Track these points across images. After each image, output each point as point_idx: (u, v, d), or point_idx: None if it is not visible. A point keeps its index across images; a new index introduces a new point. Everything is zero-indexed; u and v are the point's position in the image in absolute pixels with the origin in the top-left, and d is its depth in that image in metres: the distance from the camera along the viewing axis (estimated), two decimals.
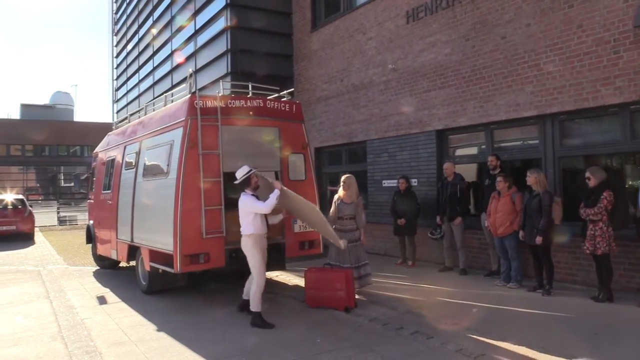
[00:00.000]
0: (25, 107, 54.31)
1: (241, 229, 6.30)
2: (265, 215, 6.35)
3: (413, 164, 10.25)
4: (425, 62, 9.83)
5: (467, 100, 8.98)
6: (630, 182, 7.44)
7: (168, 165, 7.24)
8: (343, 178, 7.54)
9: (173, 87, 16.60)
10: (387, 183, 10.80)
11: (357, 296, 6.98)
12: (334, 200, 7.53)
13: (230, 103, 7.30)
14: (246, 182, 6.27)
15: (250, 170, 6.24)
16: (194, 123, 6.93)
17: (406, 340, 5.45)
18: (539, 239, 6.94)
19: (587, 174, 6.64)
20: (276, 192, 6.17)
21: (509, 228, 7.47)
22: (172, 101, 8.11)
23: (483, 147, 9.10)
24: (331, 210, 7.46)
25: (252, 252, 6.21)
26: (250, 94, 7.73)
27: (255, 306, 6.11)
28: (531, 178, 7.12)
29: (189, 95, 7.08)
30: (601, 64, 7.01)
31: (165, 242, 7.06)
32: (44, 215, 25.54)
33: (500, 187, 7.61)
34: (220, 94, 7.40)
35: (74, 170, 50.76)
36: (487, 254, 8.63)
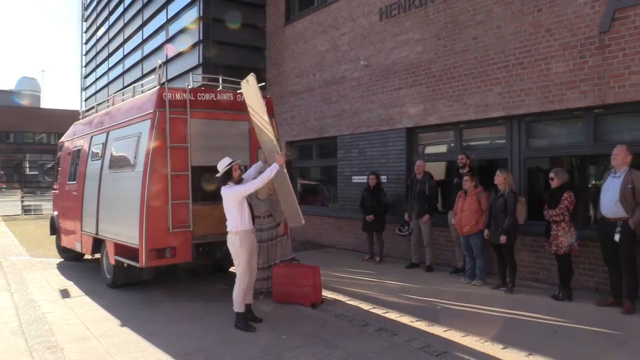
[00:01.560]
0: None
1: (227, 225, 5.89)
2: (252, 209, 6.04)
3: (383, 161, 10.32)
4: (397, 60, 9.88)
5: (437, 99, 9.07)
6: (592, 184, 7.64)
7: (135, 157, 7.12)
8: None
9: (143, 76, 16.31)
10: (356, 179, 10.85)
11: (323, 292, 7.01)
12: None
13: (199, 96, 7.21)
14: (228, 175, 5.85)
15: (232, 162, 5.86)
16: (162, 115, 6.82)
17: (371, 337, 5.51)
18: (503, 238, 7.08)
19: (551, 174, 6.81)
20: (275, 166, 5.99)
21: (475, 227, 7.59)
22: (141, 92, 7.97)
23: (452, 145, 9.22)
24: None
25: (238, 251, 5.83)
26: (220, 87, 7.65)
27: (237, 306, 5.81)
28: (499, 178, 7.24)
29: (158, 87, 6.97)
30: (567, 68, 7.16)
31: (130, 235, 6.96)
32: (7, 204, 24.87)
33: (466, 186, 7.73)
34: (189, 87, 7.30)
35: (39, 158, 49.39)
36: (453, 252, 8.76)
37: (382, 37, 10.24)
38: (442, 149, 9.75)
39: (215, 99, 7.38)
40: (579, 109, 7.14)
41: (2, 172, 50.64)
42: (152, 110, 6.87)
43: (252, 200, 6.76)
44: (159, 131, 6.80)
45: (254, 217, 6.07)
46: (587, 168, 7.82)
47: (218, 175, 5.92)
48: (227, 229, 5.87)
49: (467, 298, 6.95)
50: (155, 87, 7.12)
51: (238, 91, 7.76)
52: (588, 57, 6.91)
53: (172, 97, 6.90)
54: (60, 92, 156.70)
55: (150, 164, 6.73)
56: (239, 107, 7.51)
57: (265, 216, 7.11)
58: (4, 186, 44.97)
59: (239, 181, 5.94)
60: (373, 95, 10.47)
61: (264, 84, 8.26)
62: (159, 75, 7.16)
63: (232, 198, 5.82)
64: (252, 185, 5.89)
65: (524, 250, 7.72)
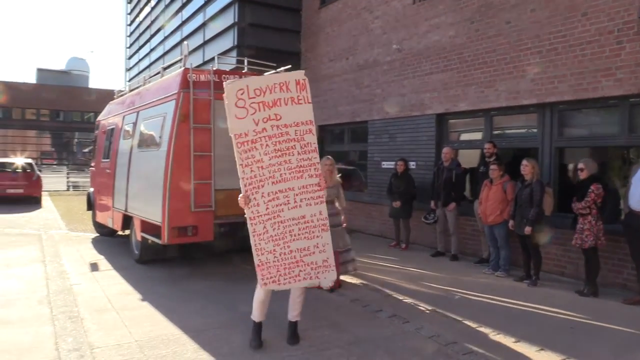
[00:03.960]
0: (41, 72, 54.75)
1: None
2: None
3: (412, 147, 10.18)
4: (429, 44, 9.67)
5: (468, 84, 8.84)
6: (625, 177, 7.31)
7: (160, 137, 7.27)
8: (326, 161, 7.00)
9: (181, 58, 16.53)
10: (385, 164, 10.76)
11: (343, 277, 7.02)
12: None
13: (224, 78, 7.26)
14: None
15: None
16: (186, 96, 6.92)
17: (382, 323, 5.49)
18: (528, 229, 6.89)
19: (580, 165, 6.55)
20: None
21: (499, 217, 7.42)
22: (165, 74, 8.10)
23: (482, 133, 8.99)
24: None
25: None
26: (245, 69, 7.68)
27: (252, 312, 4.85)
28: (527, 167, 7.02)
29: (182, 69, 7.07)
30: (603, 54, 6.83)
31: (154, 213, 7.14)
32: (55, 180, 25.92)
33: (493, 175, 7.54)
34: (214, 68, 7.36)
35: (87, 136, 51.30)
36: (479, 241, 8.60)
37: (414, 21, 10.03)
38: (472, 136, 9.52)
39: None
40: (614, 97, 6.82)
41: (53, 150, 52.90)
42: (176, 91, 6.99)
43: None
44: (183, 112, 6.91)
45: None
46: (622, 160, 7.49)
47: None
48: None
49: (488, 289, 6.82)
50: (180, 68, 7.22)
51: (266, 74, 7.77)
52: (625, 43, 6.57)
53: (196, 78, 6.99)
54: (107, 73, 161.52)
55: (174, 143, 6.87)
56: None
57: (329, 202, 6.87)
58: (55, 162, 47.00)
59: None
60: (404, 80, 10.30)
61: (290, 66, 8.24)
62: (185, 56, 7.25)
63: None
64: None
65: (551, 243, 7.48)
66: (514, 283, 7.15)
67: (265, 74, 7.77)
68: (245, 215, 4.44)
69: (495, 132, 8.75)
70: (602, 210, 6.38)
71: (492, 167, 7.61)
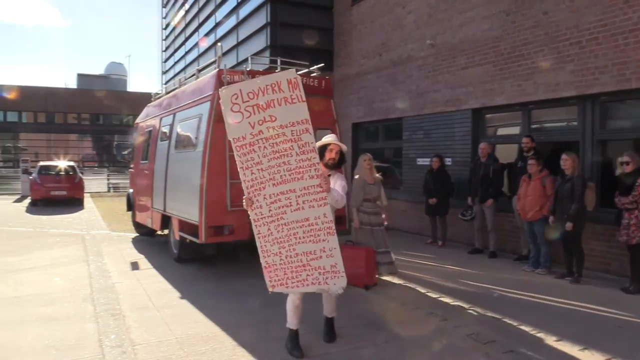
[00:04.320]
0: (81, 77, 56.40)
1: None
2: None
3: (448, 143, 10.05)
4: (464, 38, 9.51)
5: (505, 78, 8.66)
6: None
7: (197, 138, 7.38)
8: (365, 157, 7.11)
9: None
10: (421, 161, 10.65)
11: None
12: (355, 182, 7.11)
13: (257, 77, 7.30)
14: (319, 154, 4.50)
15: (332, 141, 4.84)
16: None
17: (419, 321, 5.44)
18: (569, 225, 6.70)
19: (626, 158, 6.33)
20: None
21: (538, 213, 7.24)
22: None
23: (520, 127, 8.79)
24: (354, 193, 7.03)
25: None
26: (278, 69, 7.71)
27: (288, 320, 4.70)
28: (567, 161, 6.83)
29: (217, 70, 7.15)
30: None
31: (192, 212, 7.26)
32: (96, 182, 26.70)
33: (531, 170, 7.37)
34: (247, 69, 7.43)
35: (126, 139, 52.60)
36: (518, 238, 8.42)
37: (448, 15, 9.88)
38: (510, 130, 9.32)
39: None
40: None
41: (95, 152, 54.42)
42: (211, 92, 7.07)
43: (363, 184, 6.87)
44: (218, 112, 6.96)
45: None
46: None
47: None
48: None
49: (528, 286, 6.67)
50: (214, 70, 7.31)
51: (298, 72, 7.79)
52: None
53: (230, 79, 7.04)
54: (145, 76, 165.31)
55: (209, 144, 6.96)
56: None
57: (374, 200, 7.04)
58: (96, 165, 48.39)
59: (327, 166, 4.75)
60: (439, 75, 10.17)
61: (322, 64, 8.25)
62: (219, 57, 7.34)
63: None
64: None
65: (595, 239, 7.27)
66: (555, 280, 6.97)
67: (298, 72, 7.81)
68: (249, 218, 4.39)
69: (534, 126, 8.54)
70: None
71: (530, 162, 7.43)
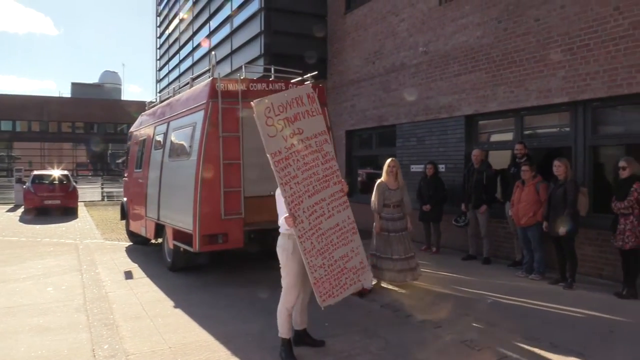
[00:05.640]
0: (75, 86, 56.30)
1: (279, 225, 4.66)
2: None
3: (441, 149, 10.08)
4: (456, 45, 9.57)
5: (497, 85, 8.72)
6: None
7: (191, 146, 7.38)
8: (389, 162, 6.98)
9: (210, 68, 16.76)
10: (414, 168, 10.67)
11: (373, 282, 6.97)
12: (376, 187, 7.01)
13: (252, 86, 7.34)
14: None
15: None
16: (214, 106, 7.02)
17: (413, 328, 5.44)
18: (562, 230, 6.73)
19: (623, 163, 6.35)
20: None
21: (532, 219, 7.27)
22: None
23: (512, 133, 8.84)
24: (374, 198, 6.96)
25: (287, 260, 4.57)
26: (272, 77, 7.75)
27: (280, 330, 4.65)
28: (560, 167, 6.86)
29: (211, 79, 7.17)
30: (638, 49, 6.64)
31: (185, 221, 7.25)
32: (90, 191, 26.59)
33: (525, 176, 7.40)
34: (242, 77, 7.45)
35: (121, 147, 52.49)
36: (511, 244, 8.44)
37: (441, 22, 9.95)
38: (502, 137, 9.36)
39: (267, 88, 7.46)
40: None
41: (89, 161, 54.27)
42: (205, 101, 7.09)
43: (384, 189, 6.85)
44: (212, 121, 7.00)
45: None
46: None
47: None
48: (280, 230, 4.67)
49: (522, 292, 6.68)
50: (208, 78, 7.33)
51: (292, 80, 7.84)
52: None
53: (224, 87, 7.08)
54: (139, 85, 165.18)
55: (203, 152, 6.96)
56: None
57: (394, 205, 6.91)
58: (91, 174, 48.25)
59: None
60: (432, 82, 10.22)
61: (316, 72, 8.27)
62: (213, 66, 7.36)
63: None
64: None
65: (588, 245, 7.30)
66: (549, 286, 6.98)
67: (291, 80, 7.86)
68: (294, 235, 4.35)
69: (526, 132, 8.59)
70: None
71: (523, 168, 7.46)
